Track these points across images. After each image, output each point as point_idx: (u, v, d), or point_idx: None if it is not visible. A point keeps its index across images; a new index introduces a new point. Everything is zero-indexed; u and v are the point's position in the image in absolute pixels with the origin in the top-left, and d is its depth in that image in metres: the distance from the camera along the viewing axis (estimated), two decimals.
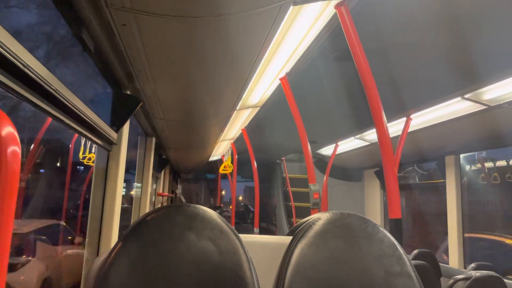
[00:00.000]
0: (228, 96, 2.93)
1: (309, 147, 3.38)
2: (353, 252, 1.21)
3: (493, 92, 3.17)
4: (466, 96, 3.32)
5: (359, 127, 5.06)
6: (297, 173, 9.28)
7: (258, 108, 4.24)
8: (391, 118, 4.07)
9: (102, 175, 2.10)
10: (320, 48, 2.62)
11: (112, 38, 1.69)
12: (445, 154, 4.87)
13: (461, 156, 4.79)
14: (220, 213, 1.24)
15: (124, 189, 2.31)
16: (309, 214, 1.82)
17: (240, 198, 14.88)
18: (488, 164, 5.32)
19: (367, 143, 5.66)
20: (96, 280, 1.06)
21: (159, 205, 6.00)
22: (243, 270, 1.10)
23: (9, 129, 0.56)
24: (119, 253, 1.08)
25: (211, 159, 8.14)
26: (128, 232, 1.11)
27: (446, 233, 4.79)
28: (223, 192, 13.61)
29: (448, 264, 4.66)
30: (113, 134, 2.06)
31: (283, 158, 9.13)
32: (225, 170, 7.47)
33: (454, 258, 4.63)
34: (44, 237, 4.43)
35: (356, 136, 5.53)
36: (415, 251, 3.87)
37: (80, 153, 4.14)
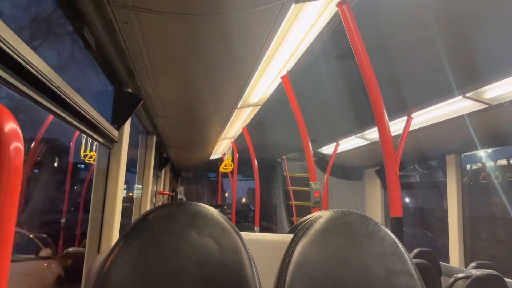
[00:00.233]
0: (229, 94, 2.93)
1: (310, 145, 3.38)
2: (354, 250, 1.21)
3: (494, 91, 3.17)
4: (468, 95, 3.31)
5: (360, 126, 5.05)
6: (297, 172, 9.28)
7: (259, 107, 4.23)
8: (392, 116, 4.07)
9: (103, 173, 2.10)
10: (321, 47, 2.61)
11: (114, 35, 1.69)
12: (446, 153, 4.87)
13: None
14: (221, 212, 1.24)
15: (125, 188, 2.31)
16: (310, 213, 1.82)
17: (244, 200, 14.81)
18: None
19: (368, 142, 5.66)
20: (97, 278, 1.06)
21: (160, 204, 5.99)
22: (244, 268, 1.10)
23: (12, 125, 0.56)
24: (120, 251, 1.08)
25: (211, 157, 8.15)
26: (129, 230, 1.11)
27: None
28: (226, 194, 13.57)
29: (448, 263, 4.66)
30: (114, 132, 2.06)
31: (284, 157, 9.12)
32: (225, 168, 7.47)
33: (454, 257, 4.63)
34: None
35: (357, 135, 5.52)
36: (416, 250, 3.87)
37: (82, 151, 4.14)
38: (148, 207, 3.92)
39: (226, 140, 6.39)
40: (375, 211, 6.98)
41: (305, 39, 2.55)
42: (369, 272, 1.17)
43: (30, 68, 1.06)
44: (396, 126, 4.22)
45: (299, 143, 3.47)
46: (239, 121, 4.99)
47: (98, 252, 1.98)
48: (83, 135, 2.38)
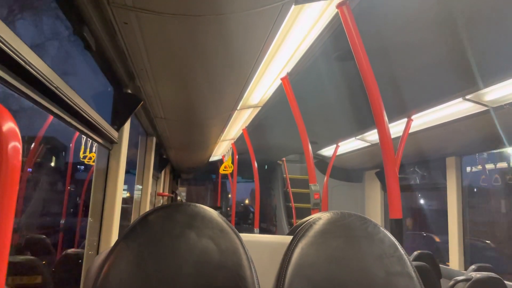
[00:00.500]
0: (229, 96, 2.93)
1: (310, 147, 3.38)
2: (353, 252, 1.20)
3: (494, 93, 3.17)
4: (467, 97, 3.31)
5: (360, 128, 5.05)
6: (297, 173, 9.28)
7: (259, 108, 4.23)
8: (392, 118, 4.07)
9: (102, 174, 2.10)
10: (321, 48, 2.61)
11: (114, 36, 1.69)
12: (446, 155, 4.86)
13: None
14: (220, 213, 1.24)
15: (124, 189, 2.31)
16: (310, 215, 1.82)
17: (247, 201, 14.74)
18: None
19: (368, 144, 5.66)
20: (95, 279, 1.06)
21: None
22: (243, 270, 1.09)
23: (10, 125, 0.56)
24: (119, 252, 1.07)
25: (211, 159, 8.14)
26: (128, 230, 1.11)
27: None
28: (229, 195, 13.53)
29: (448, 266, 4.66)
30: (114, 133, 2.06)
31: (284, 158, 9.12)
32: (225, 170, 7.47)
33: (454, 259, 4.62)
34: None
35: (357, 137, 5.53)
36: (415, 252, 3.87)
37: (81, 153, 4.14)
38: (147, 208, 3.91)
39: (226, 141, 6.39)
40: (375, 213, 6.98)
41: (305, 40, 2.55)
42: (368, 274, 1.17)
43: (30, 69, 1.06)
44: (396, 128, 4.22)
45: (299, 145, 3.47)
46: (239, 123, 4.99)
47: (97, 253, 1.98)
48: (82, 136, 2.38)
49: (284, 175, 9.26)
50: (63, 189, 5.92)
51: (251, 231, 7.36)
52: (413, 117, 4.07)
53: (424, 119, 4.07)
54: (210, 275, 1.07)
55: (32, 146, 4.45)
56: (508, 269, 4.92)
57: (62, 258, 3.09)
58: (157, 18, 1.46)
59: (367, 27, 2.24)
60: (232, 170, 7.32)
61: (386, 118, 2.20)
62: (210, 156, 7.35)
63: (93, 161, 2.91)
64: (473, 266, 3.44)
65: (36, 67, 1.08)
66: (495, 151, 4.84)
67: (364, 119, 4.33)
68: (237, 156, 6.94)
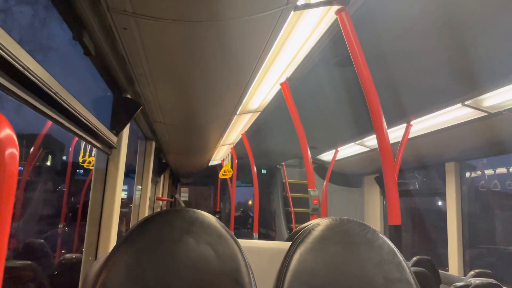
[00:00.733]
0: (228, 101, 2.93)
1: (309, 152, 3.38)
2: (352, 258, 1.20)
3: (493, 99, 3.18)
4: (466, 102, 3.32)
5: (359, 133, 5.06)
6: (297, 178, 9.27)
7: (259, 113, 4.24)
8: (391, 124, 4.07)
9: (101, 179, 2.10)
10: (321, 54, 2.62)
11: (113, 41, 1.70)
12: (445, 160, 4.86)
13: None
14: (219, 218, 1.24)
15: (123, 194, 2.31)
16: (309, 220, 1.82)
17: (250, 202, 14.64)
18: None
19: (367, 149, 5.66)
20: (93, 284, 1.05)
21: (158, 210, 5.98)
22: (241, 276, 1.09)
23: (7, 131, 0.56)
24: (117, 257, 1.07)
25: (211, 163, 8.14)
26: (126, 236, 1.11)
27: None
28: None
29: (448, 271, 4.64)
30: (113, 138, 2.05)
31: (283, 163, 9.11)
32: (224, 175, 7.46)
33: (453, 265, 4.61)
34: None
35: (356, 142, 5.53)
36: (415, 258, 3.86)
37: (80, 157, 4.14)
38: (146, 213, 3.91)
39: (226, 146, 6.39)
40: (374, 218, 6.97)
41: (304, 46, 2.55)
42: (367, 280, 1.16)
43: (29, 74, 1.06)
44: (395, 134, 4.23)
45: (298, 149, 3.47)
46: (238, 127, 4.99)
47: (95, 259, 1.97)
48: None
49: (284, 180, 9.24)
50: (61, 193, 5.91)
51: (250, 235, 7.34)
52: (412, 122, 4.08)
53: (423, 124, 4.07)
54: (209, 281, 1.06)
55: (31, 150, 4.44)
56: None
57: (60, 263, 3.08)
58: (157, 24, 1.46)
59: (366, 33, 2.25)
60: (232, 175, 7.31)
61: (385, 123, 2.20)
62: (209, 161, 7.35)
63: (92, 166, 2.90)
64: (472, 272, 3.43)
65: (34, 73, 1.08)
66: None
67: (363, 124, 4.33)
68: (236, 161, 6.93)
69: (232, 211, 8.34)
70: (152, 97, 2.56)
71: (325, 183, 6.32)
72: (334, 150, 6.23)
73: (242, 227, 11.90)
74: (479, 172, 5.54)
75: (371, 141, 5.29)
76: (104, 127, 1.89)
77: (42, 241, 3.94)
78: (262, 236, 9.36)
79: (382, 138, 2.18)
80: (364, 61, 2.18)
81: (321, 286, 1.15)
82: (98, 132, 1.78)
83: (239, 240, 1.17)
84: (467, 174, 5.17)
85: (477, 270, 3.43)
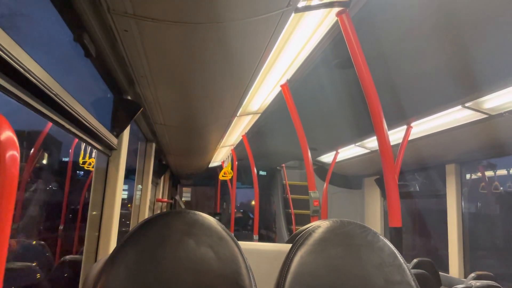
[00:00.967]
0: (229, 102, 2.93)
1: (309, 154, 3.38)
2: (353, 260, 1.20)
3: (494, 101, 3.18)
4: (467, 104, 3.32)
5: (360, 135, 5.06)
6: (297, 180, 9.27)
7: (259, 115, 4.24)
8: (391, 126, 4.07)
9: (101, 180, 2.09)
10: (321, 55, 2.62)
11: (114, 43, 1.70)
12: (446, 162, 4.86)
13: None
14: (220, 220, 1.24)
15: (123, 196, 2.30)
16: (309, 222, 1.82)
17: (253, 202, 14.60)
18: None
19: (367, 151, 5.66)
20: (94, 286, 1.05)
21: (158, 211, 5.98)
22: (242, 278, 1.09)
23: (8, 133, 0.56)
24: (117, 259, 1.07)
25: (211, 165, 8.14)
26: (126, 238, 1.11)
27: None
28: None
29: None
30: (113, 140, 2.05)
31: (283, 165, 9.11)
32: (225, 176, 7.46)
33: (454, 267, 4.61)
34: None
35: (357, 144, 5.53)
36: (415, 260, 3.86)
37: (80, 158, 4.14)
38: (146, 214, 3.90)
39: (226, 147, 6.39)
40: (374, 220, 6.96)
41: (305, 48, 2.56)
42: (367, 282, 1.16)
43: (29, 76, 1.06)
44: (396, 135, 4.22)
45: (298, 151, 3.47)
46: (238, 129, 4.99)
47: (95, 260, 1.97)
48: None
49: (284, 182, 9.24)
50: (62, 194, 5.91)
51: (250, 237, 7.34)
52: (412, 124, 4.08)
53: (424, 126, 4.07)
54: (209, 283, 1.06)
55: (32, 151, 4.44)
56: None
57: (60, 265, 3.08)
58: (157, 26, 1.46)
59: (367, 35, 2.25)
60: (232, 176, 7.31)
61: (385, 125, 2.20)
62: (209, 162, 7.35)
63: (93, 167, 2.90)
64: (473, 274, 3.43)
65: (35, 74, 1.08)
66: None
67: (363, 126, 4.33)
68: (236, 162, 6.93)
69: (232, 212, 8.33)
70: (153, 99, 2.56)
71: (325, 185, 6.32)
72: (334, 152, 6.23)
73: (242, 229, 11.89)
74: (479, 174, 5.54)
75: (371, 142, 5.29)
76: (105, 128, 1.89)
77: (42, 242, 3.94)
78: (262, 238, 9.35)
79: (383, 140, 2.18)
80: (364, 63, 2.18)
81: None
82: (98, 133, 1.78)
83: (240, 242, 1.17)
84: (467, 176, 5.16)
85: (478, 272, 3.42)
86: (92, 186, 2.10)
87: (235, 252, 1.12)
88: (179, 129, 3.67)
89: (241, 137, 5.49)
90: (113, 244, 2.03)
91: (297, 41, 2.43)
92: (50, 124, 4.25)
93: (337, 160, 6.25)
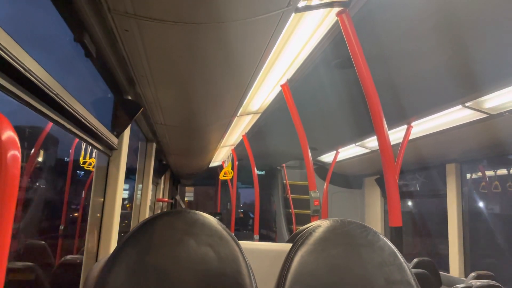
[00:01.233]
0: (229, 102, 2.93)
1: (309, 154, 3.38)
2: (353, 259, 1.20)
3: (494, 101, 3.18)
4: (467, 104, 3.32)
5: (360, 134, 5.06)
6: (297, 179, 9.27)
7: (259, 115, 4.24)
8: (392, 125, 4.07)
9: (102, 180, 2.10)
10: (321, 55, 2.62)
11: (114, 43, 1.70)
12: (446, 162, 4.86)
13: None
14: (220, 220, 1.24)
15: (124, 195, 2.30)
16: (309, 221, 1.82)
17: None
18: None
19: (367, 151, 5.66)
20: (94, 286, 1.05)
21: (159, 211, 5.98)
22: (242, 277, 1.09)
23: (9, 133, 0.56)
24: (118, 259, 1.07)
25: (211, 165, 8.14)
26: (127, 237, 1.11)
27: None
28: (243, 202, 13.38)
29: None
30: (113, 139, 2.06)
31: (284, 164, 9.11)
32: (225, 176, 7.46)
33: (454, 266, 4.61)
34: None
35: (357, 143, 5.53)
36: (415, 260, 3.86)
37: (81, 158, 4.14)
38: (147, 214, 3.90)
39: (226, 147, 6.39)
40: (374, 220, 6.96)
41: (305, 48, 2.56)
42: (368, 282, 1.16)
43: (30, 76, 1.06)
44: (396, 135, 4.22)
45: (299, 151, 3.47)
46: (239, 129, 4.99)
47: (96, 260, 1.97)
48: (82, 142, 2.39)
49: (284, 181, 9.24)
50: (62, 194, 5.91)
51: (250, 237, 7.34)
52: (413, 123, 4.08)
53: (424, 125, 4.07)
54: (210, 283, 1.06)
55: (32, 151, 4.45)
56: None
57: (61, 265, 3.08)
58: (158, 26, 1.46)
59: (367, 35, 2.25)
60: (232, 176, 7.31)
61: (385, 125, 2.20)
62: (210, 162, 7.35)
63: (93, 167, 2.90)
64: (473, 274, 3.42)
65: (35, 74, 1.08)
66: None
67: (364, 126, 4.33)
68: (237, 162, 6.93)
69: (232, 212, 8.33)
70: (153, 99, 2.56)
71: (325, 185, 6.32)
72: (334, 152, 6.23)
73: (243, 229, 11.90)
74: (479, 174, 5.53)
75: (371, 142, 5.29)
76: (105, 128, 1.89)
77: (43, 242, 3.94)
78: (262, 238, 9.35)
79: (383, 140, 2.18)
80: (364, 62, 2.18)
81: None
82: (99, 133, 1.78)
83: (240, 242, 1.17)
84: (468, 176, 5.16)
85: (478, 272, 3.42)
86: (93, 186, 2.10)
87: (236, 252, 1.12)
88: (179, 129, 3.67)
89: (241, 137, 5.49)
90: (113, 244, 2.03)
91: (297, 41, 2.43)
92: (50, 124, 4.25)
93: (337, 159, 6.25)
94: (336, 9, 2.10)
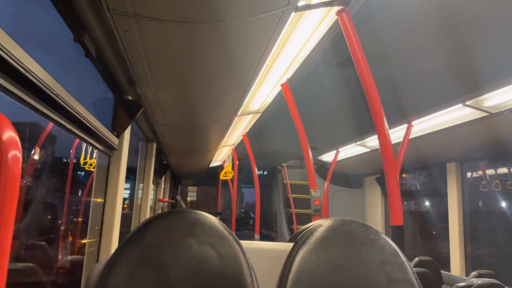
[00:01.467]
0: (229, 102, 2.93)
1: (310, 153, 3.37)
2: (354, 259, 1.20)
3: (494, 99, 3.17)
4: (468, 103, 3.31)
5: (360, 134, 5.05)
6: (298, 179, 9.27)
7: (259, 114, 4.24)
8: (392, 124, 4.07)
9: (103, 181, 2.10)
10: (321, 54, 2.62)
11: (114, 43, 1.70)
12: (447, 161, 4.86)
13: None
14: (221, 219, 1.24)
15: (125, 195, 2.30)
16: (310, 221, 1.81)
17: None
18: None
19: (368, 150, 5.65)
20: (96, 286, 1.05)
21: (160, 211, 5.98)
22: (244, 277, 1.09)
23: (10, 133, 0.56)
24: (119, 259, 1.07)
25: (212, 165, 8.13)
26: (128, 238, 1.11)
27: None
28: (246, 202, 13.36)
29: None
30: (114, 140, 2.06)
31: (284, 164, 9.11)
32: (225, 176, 7.45)
33: (455, 265, 4.60)
34: None
35: (357, 143, 5.52)
36: (417, 259, 3.86)
37: (81, 159, 4.14)
38: (147, 215, 3.91)
39: (226, 147, 6.38)
40: (375, 219, 6.96)
41: (305, 47, 2.55)
42: (369, 281, 1.16)
43: (30, 76, 1.06)
44: (397, 134, 4.22)
45: (299, 150, 3.46)
46: (239, 129, 4.99)
47: (97, 261, 1.97)
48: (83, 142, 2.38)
49: (285, 181, 9.24)
50: (63, 194, 5.91)
51: (251, 237, 7.34)
52: (413, 122, 4.07)
53: (424, 124, 4.07)
54: (211, 282, 1.06)
55: (32, 152, 4.44)
56: None
57: (62, 265, 3.08)
58: (158, 25, 1.46)
59: (367, 34, 2.25)
60: (233, 176, 7.31)
61: (386, 124, 2.19)
62: (210, 162, 7.35)
63: (94, 167, 2.91)
64: (474, 273, 3.42)
65: (36, 74, 1.08)
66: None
67: (364, 125, 4.33)
68: (237, 162, 6.93)
69: (233, 212, 8.33)
70: (153, 99, 2.56)
71: (326, 184, 6.32)
72: (335, 151, 6.23)
73: (244, 228, 11.90)
74: (480, 173, 5.53)
75: (372, 141, 5.28)
76: (106, 128, 1.89)
77: (43, 243, 3.94)
78: (263, 237, 9.34)
79: (383, 139, 2.18)
80: (365, 61, 2.18)
81: (324, 287, 1.15)
82: (99, 133, 1.78)
83: (241, 241, 1.17)
84: (468, 174, 5.16)
85: (479, 271, 3.42)
86: (94, 186, 2.10)
87: (237, 251, 1.12)
88: (179, 129, 3.67)
89: (241, 137, 5.49)
90: (114, 244, 2.03)
91: (297, 40, 2.43)
92: (51, 124, 4.25)
93: (338, 159, 6.24)
94: (336, 8, 2.10)
